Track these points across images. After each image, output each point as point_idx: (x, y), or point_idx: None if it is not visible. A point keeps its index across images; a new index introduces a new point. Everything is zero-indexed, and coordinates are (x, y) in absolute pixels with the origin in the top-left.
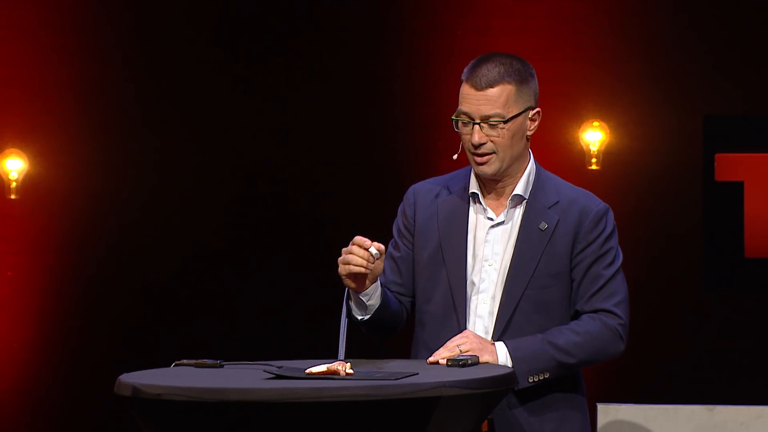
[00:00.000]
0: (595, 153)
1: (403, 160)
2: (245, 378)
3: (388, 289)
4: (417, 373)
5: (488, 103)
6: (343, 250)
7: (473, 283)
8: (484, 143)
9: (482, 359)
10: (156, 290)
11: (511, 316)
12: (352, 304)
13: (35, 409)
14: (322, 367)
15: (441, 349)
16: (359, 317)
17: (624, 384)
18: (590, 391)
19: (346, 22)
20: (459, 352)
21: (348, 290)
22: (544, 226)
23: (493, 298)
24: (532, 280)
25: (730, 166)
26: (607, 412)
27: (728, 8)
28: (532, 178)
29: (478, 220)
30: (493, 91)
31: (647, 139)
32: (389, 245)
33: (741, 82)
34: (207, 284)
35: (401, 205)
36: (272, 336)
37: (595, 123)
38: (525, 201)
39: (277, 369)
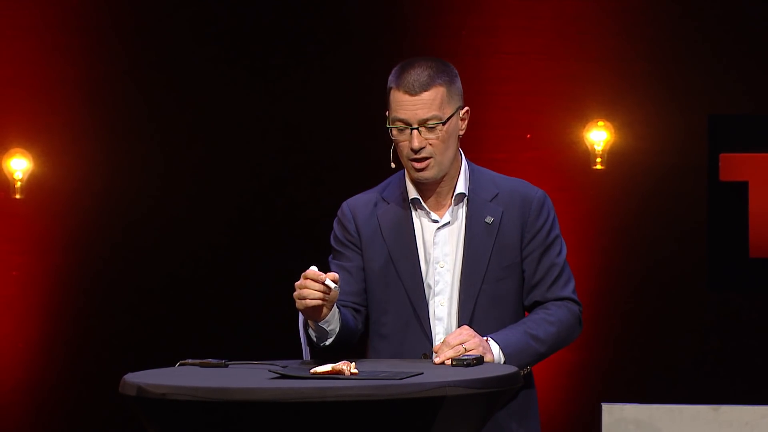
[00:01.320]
0: (600, 152)
1: None
2: (250, 378)
3: (344, 302)
4: (422, 373)
5: (425, 107)
6: (296, 284)
7: (429, 287)
8: (423, 147)
9: (486, 359)
10: (161, 289)
11: (471, 314)
12: (312, 332)
13: (40, 409)
14: (326, 367)
15: (444, 347)
16: (321, 344)
17: (629, 383)
18: (596, 391)
19: (349, 21)
20: (464, 351)
21: (305, 319)
22: (489, 219)
23: (450, 299)
24: (487, 275)
25: (734, 166)
26: (611, 412)
27: (733, 8)
28: (467, 174)
29: (423, 224)
30: (427, 95)
31: (652, 139)
32: (330, 260)
33: (746, 82)
34: (211, 284)
35: (337, 221)
36: (277, 336)
37: (600, 123)
38: (466, 198)
39: (281, 369)
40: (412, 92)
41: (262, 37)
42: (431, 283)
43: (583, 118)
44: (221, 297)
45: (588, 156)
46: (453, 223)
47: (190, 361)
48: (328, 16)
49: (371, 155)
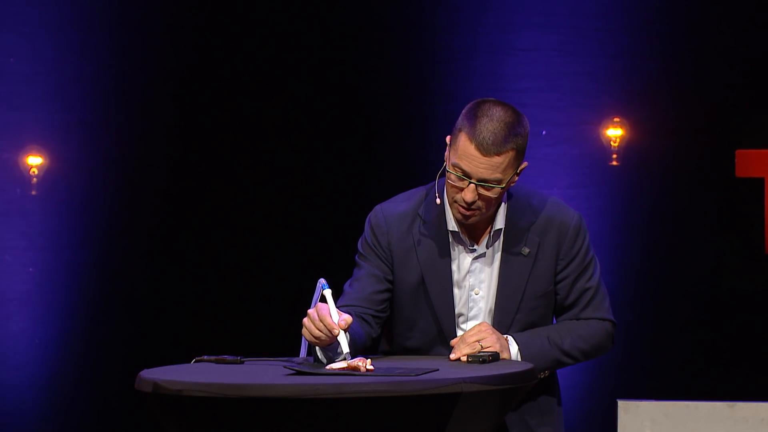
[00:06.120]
0: (616, 149)
1: (422, 157)
2: (266, 374)
3: (364, 310)
4: (437, 369)
5: (490, 169)
6: (309, 312)
7: (461, 314)
8: (475, 201)
9: (502, 356)
10: (177, 286)
11: None
12: (319, 352)
13: (57, 405)
14: (342, 364)
15: (461, 344)
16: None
17: (644, 380)
18: (612, 388)
19: (364, 19)
20: (480, 348)
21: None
22: (526, 251)
23: None
24: (521, 305)
25: (750, 162)
26: (627, 409)
27: (747, 4)
28: (506, 204)
29: (459, 251)
30: (498, 159)
31: (668, 136)
32: (356, 259)
33: (762, 78)
34: (228, 280)
35: (370, 228)
36: (293, 332)
37: (616, 119)
38: (503, 229)
39: (297, 365)
40: (483, 152)
41: (278, 35)
42: (464, 310)
43: (599, 114)
44: (237, 293)
45: (604, 152)
46: (489, 254)
47: (205, 357)
48: (343, 13)
49: (385, 154)
